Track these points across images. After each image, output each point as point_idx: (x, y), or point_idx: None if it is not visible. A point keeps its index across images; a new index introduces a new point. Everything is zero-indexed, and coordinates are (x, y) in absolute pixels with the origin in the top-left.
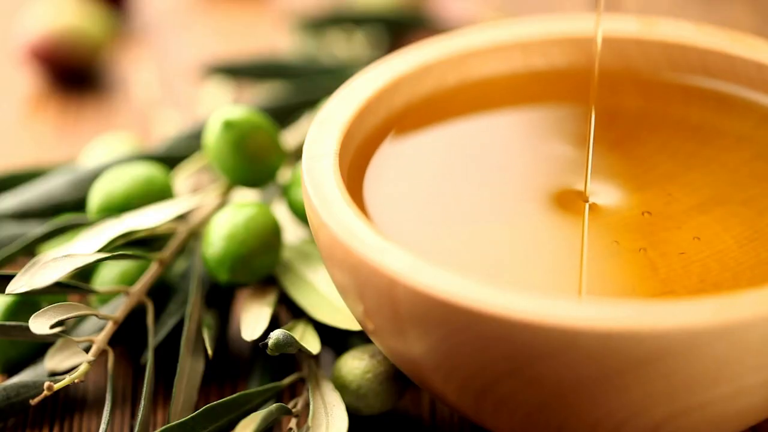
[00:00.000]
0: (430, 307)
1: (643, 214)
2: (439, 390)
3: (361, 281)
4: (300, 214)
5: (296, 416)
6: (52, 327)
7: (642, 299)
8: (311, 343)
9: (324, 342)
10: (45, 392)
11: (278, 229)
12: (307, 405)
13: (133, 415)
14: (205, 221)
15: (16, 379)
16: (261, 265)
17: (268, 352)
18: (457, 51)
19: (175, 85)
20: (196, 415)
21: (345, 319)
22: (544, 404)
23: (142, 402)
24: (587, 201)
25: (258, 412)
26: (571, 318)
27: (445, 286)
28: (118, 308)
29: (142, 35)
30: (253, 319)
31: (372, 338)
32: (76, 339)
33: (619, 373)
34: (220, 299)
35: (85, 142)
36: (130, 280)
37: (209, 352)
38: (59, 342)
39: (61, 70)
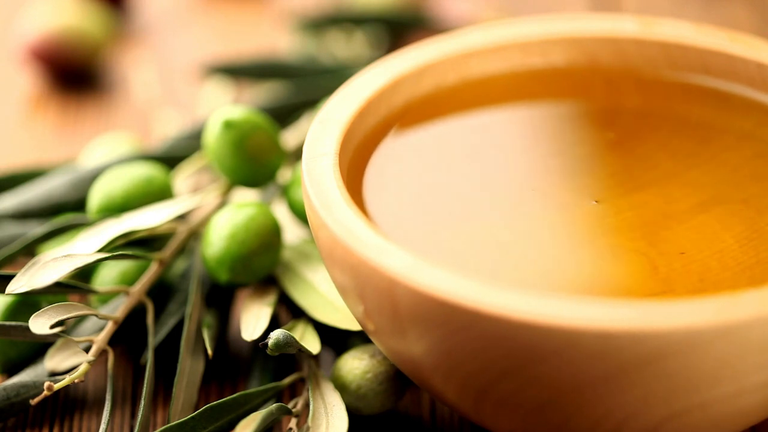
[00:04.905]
0: (430, 307)
1: (642, 213)
2: (439, 390)
3: (361, 281)
4: (300, 214)
5: (296, 416)
6: (52, 327)
7: (642, 299)
8: (311, 343)
9: (324, 342)
10: (45, 392)
11: (278, 229)
12: (307, 405)
13: (133, 415)
14: (205, 221)
15: (16, 379)
16: (261, 265)
17: (268, 352)
18: (457, 51)
19: (175, 85)
20: (196, 415)
21: (345, 319)
22: (544, 404)
23: (142, 402)
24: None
25: (258, 412)
26: (571, 318)
27: (445, 286)
28: (118, 308)
29: (142, 35)
30: (253, 319)
31: (372, 338)
32: (76, 339)
33: (619, 373)
34: (220, 299)
35: (85, 142)
36: (130, 280)
37: (209, 352)
38: (59, 342)
39: (61, 70)
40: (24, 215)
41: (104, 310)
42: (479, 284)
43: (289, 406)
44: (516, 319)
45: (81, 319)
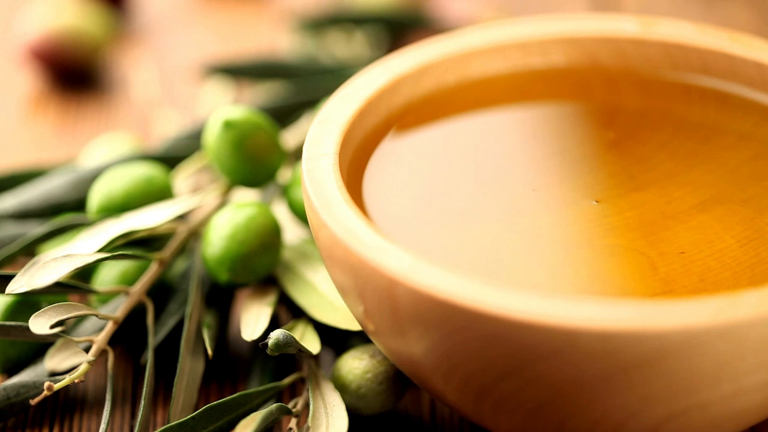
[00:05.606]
0: (430, 307)
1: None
2: (439, 390)
3: (361, 281)
4: (300, 214)
5: (296, 416)
6: (52, 327)
7: (642, 299)
8: (311, 343)
9: (324, 342)
10: (45, 392)
11: (278, 229)
12: (307, 405)
13: (133, 415)
14: (205, 221)
15: (16, 379)
16: (261, 265)
17: (268, 352)
18: (457, 51)
19: (175, 85)
20: (196, 415)
21: (345, 319)
22: (544, 404)
23: (142, 402)
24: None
25: (258, 412)
26: (571, 318)
27: (445, 286)
28: (118, 308)
29: (142, 35)
30: (253, 319)
31: (372, 338)
32: (76, 339)
33: (619, 373)
34: (220, 299)
35: (85, 142)
36: (130, 280)
37: (209, 352)
38: (59, 342)
39: (61, 70)
40: (24, 215)
41: (104, 310)
42: (479, 284)
43: (289, 406)
44: (516, 319)
45: (81, 319)
